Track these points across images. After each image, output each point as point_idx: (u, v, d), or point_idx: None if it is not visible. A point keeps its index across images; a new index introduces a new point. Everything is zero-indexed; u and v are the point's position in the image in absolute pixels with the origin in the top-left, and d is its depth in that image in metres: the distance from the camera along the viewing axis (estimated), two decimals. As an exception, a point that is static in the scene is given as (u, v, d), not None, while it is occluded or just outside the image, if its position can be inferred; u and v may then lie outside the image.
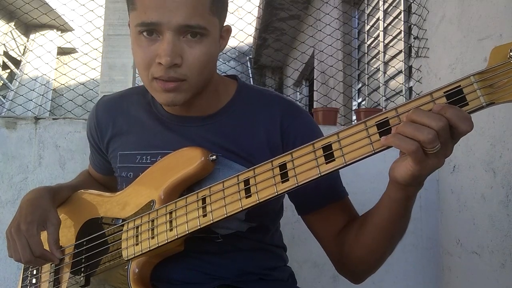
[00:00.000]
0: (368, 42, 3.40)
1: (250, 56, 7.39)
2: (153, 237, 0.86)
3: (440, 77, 1.88)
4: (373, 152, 0.70)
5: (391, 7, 2.91)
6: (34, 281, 1.03)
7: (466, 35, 1.64)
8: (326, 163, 0.73)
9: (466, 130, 0.66)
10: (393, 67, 2.74)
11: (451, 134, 0.67)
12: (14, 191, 1.69)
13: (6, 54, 6.50)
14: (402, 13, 2.57)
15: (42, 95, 4.60)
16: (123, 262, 0.90)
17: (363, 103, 3.46)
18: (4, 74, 6.47)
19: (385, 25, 2.95)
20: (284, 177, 0.76)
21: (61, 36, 6.88)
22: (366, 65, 3.42)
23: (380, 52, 3.01)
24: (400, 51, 2.55)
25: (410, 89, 2.35)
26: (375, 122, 0.71)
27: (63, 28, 6.95)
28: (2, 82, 6.40)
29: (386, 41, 2.90)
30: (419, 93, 2.10)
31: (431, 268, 1.78)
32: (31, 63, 4.69)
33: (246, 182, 0.79)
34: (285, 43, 5.45)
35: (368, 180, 1.64)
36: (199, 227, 0.82)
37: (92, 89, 2.59)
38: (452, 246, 1.69)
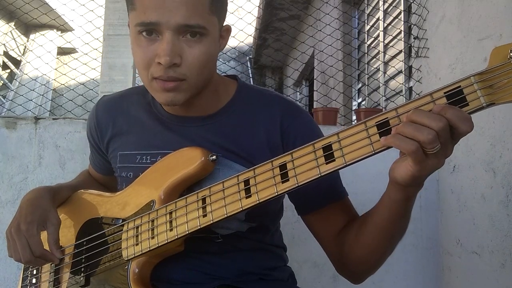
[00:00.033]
0: (368, 42, 3.40)
1: (250, 56, 7.39)
2: (153, 237, 0.86)
3: (440, 77, 1.88)
4: (373, 152, 0.70)
5: (391, 7, 2.91)
6: (34, 281, 1.03)
7: (466, 35, 1.64)
8: (326, 163, 0.73)
9: (466, 130, 0.66)
10: (393, 67, 2.74)
11: (451, 134, 0.67)
12: (14, 191, 1.69)
13: (6, 54, 6.50)
14: (402, 13, 2.57)
15: (42, 95, 4.60)
16: (123, 262, 0.90)
17: (363, 103, 3.46)
18: (4, 74, 6.47)
19: (385, 25, 2.95)
20: (284, 177, 0.76)
21: (61, 36, 6.88)
22: (366, 65, 3.42)
23: (380, 52, 3.01)
24: (400, 51, 2.55)
25: (410, 89, 2.35)
26: (375, 123, 0.71)
27: (63, 28, 6.95)
28: (2, 82, 6.40)
29: (386, 41, 2.90)
30: (419, 93, 2.10)
31: (431, 268, 1.78)
32: (31, 63, 4.69)
33: (246, 182, 0.79)
34: (285, 43, 5.45)
35: (368, 181, 1.64)
36: (199, 227, 0.82)
37: (92, 89, 2.59)
38: (452, 246, 1.69)
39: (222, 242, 0.94)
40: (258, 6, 5.14)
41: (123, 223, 0.92)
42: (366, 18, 3.48)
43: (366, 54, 3.41)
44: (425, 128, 0.66)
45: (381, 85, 2.98)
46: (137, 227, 0.89)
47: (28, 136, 1.72)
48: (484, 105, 0.66)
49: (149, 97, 1.02)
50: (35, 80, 4.41)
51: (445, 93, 0.68)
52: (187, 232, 0.83)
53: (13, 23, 6.47)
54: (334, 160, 0.73)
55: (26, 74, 5.66)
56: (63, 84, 5.32)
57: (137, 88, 1.10)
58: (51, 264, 1.00)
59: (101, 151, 1.09)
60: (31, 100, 3.46)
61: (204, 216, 0.82)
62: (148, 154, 0.98)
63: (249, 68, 7.60)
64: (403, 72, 2.45)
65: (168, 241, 0.85)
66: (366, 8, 3.50)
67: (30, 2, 3.26)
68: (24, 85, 5.61)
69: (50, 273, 1.00)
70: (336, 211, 0.95)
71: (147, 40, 0.85)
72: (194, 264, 0.94)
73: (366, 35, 3.45)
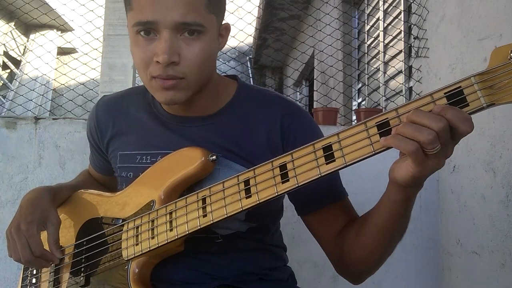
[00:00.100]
0: (368, 42, 3.40)
1: (250, 56, 7.39)
2: (153, 237, 0.86)
3: (440, 77, 1.88)
4: (373, 152, 0.70)
5: (391, 7, 2.91)
6: (34, 281, 1.03)
7: (466, 35, 1.64)
8: (327, 163, 0.73)
9: (466, 131, 0.66)
10: (393, 67, 2.74)
11: (451, 135, 0.67)
12: (14, 191, 1.69)
13: (6, 54, 6.50)
14: (402, 13, 2.57)
15: (42, 95, 4.60)
16: (123, 262, 0.90)
17: (363, 103, 3.46)
18: (4, 74, 6.47)
19: (385, 25, 2.95)
20: (285, 177, 0.76)
21: (61, 36, 6.88)
22: (366, 65, 3.42)
23: (380, 52, 3.01)
24: (400, 51, 2.55)
25: (410, 89, 2.35)
26: (376, 123, 0.71)
27: (63, 28, 6.95)
28: (2, 82, 6.40)
29: (386, 41, 2.90)
30: (419, 93, 2.10)
31: (431, 268, 1.78)
32: (31, 63, 4.68)
33: (246, 182, 0.79)
34: (285, 43, 5.45)
35: (368, 181, 1.64)
36: (199, 227, 0.82)
37: (92, 89, 2.59)
38: (452, 246, 1.69)
39: (222, 242, 0.94)
40: (258, 6, 5.14)
41: (123, 223, 0.92)
42: (366, 18, 3.48)
43: (366, 54, 3.41)
44: (425, 128, 0.66)
45: (381, 85, 2.98)
46: (137, 227, 0.89)
47: (28, 136, 1.72)
48: (484, 105, 0.66)
49: (149, 97, 1.02)
50: (35, 80, 4.41)
51: (445, 93, 0.68)
52: (187, 232, 0.83)
53: (13, 23, 6.47)
54: (334, 161, 0.73)
55: (26, 74, 5.66)
56: (63, 84, 5.32)
57: (137, 88, 1.10)
58: (51, 264, 1.00)
59: (101, 151, 1.09)
60: (31, 100, 3.46)
61: (204, 216, 0.82)
62: (148, 154, 0.98)
63: (249, 68, 7.59)
64: (403, 72, 2.45)
65: (168, 241, 0.85)
66: (366, 8, 3.50)
67: (30, 2, 3.26)
68: (24, 85, 5.60)
69: (50, 273, 1.00)
70: (336, 212, 0.95)
71: (145, 39, 0.85)
72: (194, 264, 0.94)
73: (366, 35, 3.45)
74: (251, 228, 0.96)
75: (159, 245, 0.85)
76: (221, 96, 0.99)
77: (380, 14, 3.08)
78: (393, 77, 2.72)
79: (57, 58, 6.62)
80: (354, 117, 3.20)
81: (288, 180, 0.76)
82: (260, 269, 0.99)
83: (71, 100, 2.56)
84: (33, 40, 6.87)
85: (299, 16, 5.15)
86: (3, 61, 6.41)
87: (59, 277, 0.99)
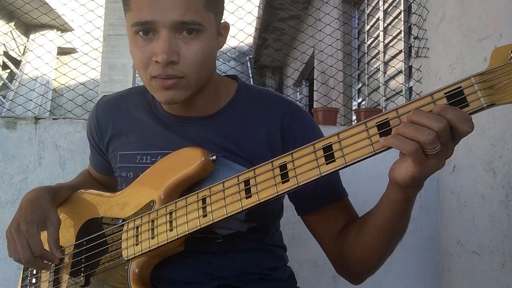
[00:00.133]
0: (368, 42, 3.40)
1: (250, 56, 7.39)
2: (153, 237, 0.86)
3: (440, 77, 1.88)
4: (373, 152, 0.70)
5: (391, 7, 2.91)
6: (34, 281, 1.03)
7: (466, 35, 1.64)
8: (327, 163, 0.73)
9: (466, 131, 0.66)
10: (393, 67, 2.74)
11: (451, 135, 0.67)
12: (14, 191, 1.69)
13: (6, 54, 6.50)
14: (402, 13, 2.57)
15: (42, 95, 4.60)
16: (123, 262, 0.90)
17: (363, 103, 3.46)
18: (4, 74, 6.47)
19: (385, 25, 2.95)
20: (285, 177, 0.76)
21: (61, 36, 6.87)
22: (366, 65, 3.42)
23: (380, 52, 3.01)
24: (400, 51, 2.55)
25: (410, 89, 2.35)
26: (376, 123, 0.71)
27: (63, 28, 6.95)
28: (2, 82, 6.40)
29: (386, 41, 2.90)
30: (419, 93, 2.10)
31: (431, 268, 1.78)
32: (31, 63, 4.68)
33: (247, 182, 0.79)
34: (285, 43, 5.45)
35: (368, 181, 1.64)
36: (199, 227, 0.82)
37: (92, 89, 2.59)
38: (452, 246, 1.69)
39: (222, 242, 0.94)
40: (258, 6, 5.14)
41: (123, 223, 0.92)
42: (366, 18, 3.48)
43: (366, 54, 3.41)
44: (425, 128, 0.66)
45: (381, 85, 2.98)
46: (137, 227, 0.89)
47: (28, 136, 1.72)
48: (484, 105, 0.66)
49: (149, 97, 1.02)
50: (35, 80, 4.41)
51: (445, 93, 0.68)
52: (187, 232, 0.83)
53: (13, 23, 6.47)
54: (334, 161, 0.73)
55: (26, 74, 5.65)
56: (63, 84, 5.32)
57: (137, 88, 1.10)
58: (51, 265, 1.00)
59: (101, 151, 1.09)
60: (31, 100, 3.46)
61: (204, 216, 0.82)
62: (148, 154, 0.98)
63: (249, 68, 7.59)
64: (403, 72, 2.45)
65: (168, 241, 0.85)
66: (366, 8, 3.50)
67: (30, 2, 3.26)
68: (24, 85, 5.60)
69: (50, 273, 1.00)
70: (336, 212, 0.95)
71: (144, 40, 0.85)
72: (194, 264, 0.94)
73: (366, 35, 3.45)
74: (251, 228, 0.96)
75: (159, 245, 0.85)
76: (221, 96, 0.99)
77: (380, 14, 3.08)
78: (393, 77, 2.72)
79: (57, 58, 6.62)
80: (354, 117, 3.20)
81: (288, 180, 0.76)
82: (260, 269, 0.99)
83: (71, 100, 2.56)
84: (33, 40, 6.87)
85: (299, 16, 5.15)
86: (3, 61, 6.41)
87: (59, 277, 0.99)
